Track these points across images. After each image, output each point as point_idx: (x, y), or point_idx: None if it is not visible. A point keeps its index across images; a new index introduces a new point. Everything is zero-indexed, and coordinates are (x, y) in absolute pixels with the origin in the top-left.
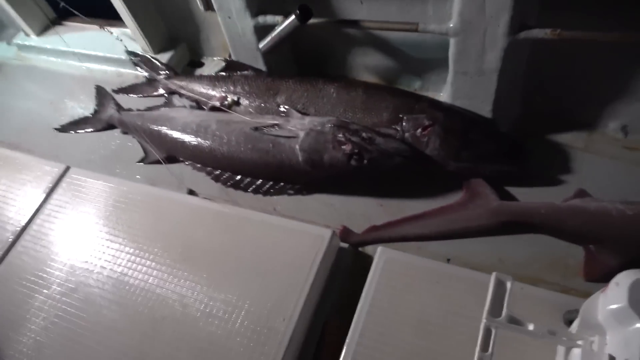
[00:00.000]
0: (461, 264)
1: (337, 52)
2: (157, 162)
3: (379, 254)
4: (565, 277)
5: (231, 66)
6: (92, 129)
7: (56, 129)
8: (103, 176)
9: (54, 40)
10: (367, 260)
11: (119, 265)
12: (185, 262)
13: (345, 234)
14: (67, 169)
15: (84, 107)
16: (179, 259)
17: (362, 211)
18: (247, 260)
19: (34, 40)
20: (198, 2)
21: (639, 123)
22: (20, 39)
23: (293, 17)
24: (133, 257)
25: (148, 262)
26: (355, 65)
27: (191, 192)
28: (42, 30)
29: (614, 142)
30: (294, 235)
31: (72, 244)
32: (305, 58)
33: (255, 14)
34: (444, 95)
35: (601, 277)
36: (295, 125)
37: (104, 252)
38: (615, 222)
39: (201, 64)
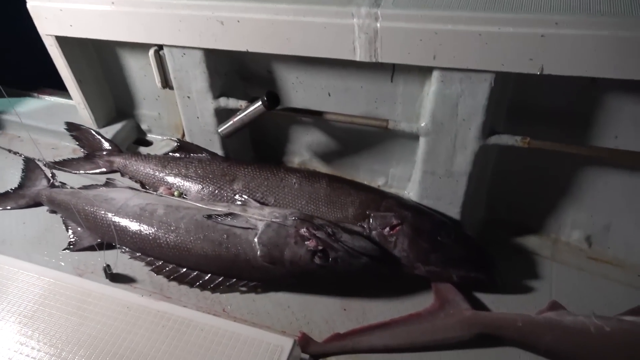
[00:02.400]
0: None
1: (299, 141)
2: (89, 248)
3: None
4: None
5: (184, 147)
6: (13, 207)
7: None
8: (21, 262)
9: None
10: None
11: None
12: None
13: (304, 342)
14: None
15: (9, 180)
16: None
17: (324, 316)
18: None
19: None
20: (156, 79)
21: (602, 235)
22: None
23: (259, 102)
24: None
25: None
26: (317, 156)
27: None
28: None
29: (579, 253)
30: (249, 344)
31: None
32: (264, 145)
33: (216, 96)
34: (409, 194)
35: None
36: (254, 216)
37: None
38: (595, 339)
39: (149, 143)
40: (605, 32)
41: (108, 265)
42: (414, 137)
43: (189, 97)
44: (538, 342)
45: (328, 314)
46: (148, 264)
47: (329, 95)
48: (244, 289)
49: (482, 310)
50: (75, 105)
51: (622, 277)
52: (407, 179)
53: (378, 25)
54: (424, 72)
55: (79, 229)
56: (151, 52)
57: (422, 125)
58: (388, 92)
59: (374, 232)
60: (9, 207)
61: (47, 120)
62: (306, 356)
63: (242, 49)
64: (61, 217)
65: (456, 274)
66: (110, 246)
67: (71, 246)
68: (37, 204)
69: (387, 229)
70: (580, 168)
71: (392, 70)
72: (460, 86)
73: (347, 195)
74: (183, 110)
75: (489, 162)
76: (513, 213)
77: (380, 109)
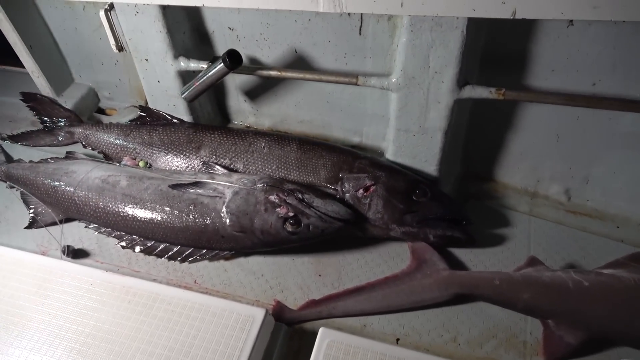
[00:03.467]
0: (412, 344)
1: (267, 102)
2: (51, 225)
3: (321, 336)
4: (524, 357)
5: (147, 114)
6: None
7: None
8: None
9: None
10: (306, 341)
11: None
12: (82, 355)
13: (279, 310)
14: None
15: None
16: (74, 350)
17: (298, 282)
18: (161, 349)
19: None
20: (110, 41)
21: (581, 187)
22: None
23: (221, 63)
24: (14, 350)
25: (31, 356)
26: (286, 118)
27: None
28: None
29: (557, 206)
30: (219, 316)
31: None
32: (230, 108)
33: (176, 57)
34: (383, 153)
35: (563, 357)
36: (221, 183)
37: None
38: (573, 295)
39: (112, 112)
40: None
41: (68, 246)
42: (386, 92)
43: (146, 59)
44: (516, 300)
45: (302, 281)
46: (114, 238)
47: (296, 51)
48: (213, 258)
49: (460, 270)
50: (29, 73)
51: (601, 229)
52: (382, 138)
53: None
54: (393, 21)
55: (39, 205)
56: (101, 12)
57: (393, 80)
58: (357, 45)
59: (347, 195)
60: None
61: (1, 91)
62: (280, 324)
63: (198, 4)
64: (20, 193)
65: (432, 233)
66: (74, 221)
67: (32, 223)
68: None
69: (361, 190)
70: (557, 118)
71: (360, 21)
72: (430, 35)
73: (318, 158)
74: (142, 74)
75: (463, 115)
76: (490, 168)
77: (350, 64)
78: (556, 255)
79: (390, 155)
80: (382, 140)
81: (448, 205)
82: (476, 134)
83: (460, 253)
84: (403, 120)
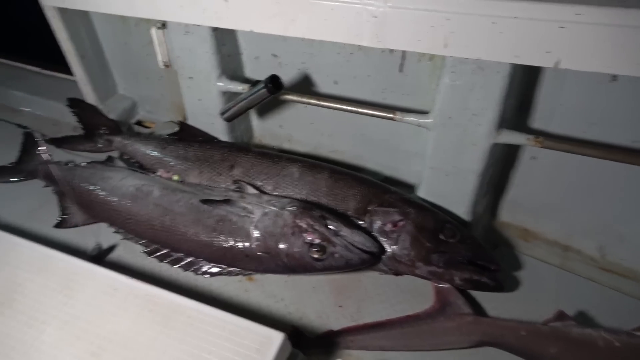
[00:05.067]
0: None
1: (303, 129)
2: (79, 225)
3: None
4: None
5: (185, 130)
6: (10, 179)
7: None
8: (10, 236)
9: None
10: None
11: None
12: (97, 357)
13: (295, 337)
14: None
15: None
16: (89, 352)
17: (318, 310)
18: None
19: None
20: (158, 58)
21: (616, 245)
22: None
23: (262, 86)
24: (30, 345)
25: (49, 352)
26: (320, 146)
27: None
28: None
29: (590, 262)
30: (237, 334)
31: None
32: (267, 131)
33: (219, 78)
34: (414, 189)
35: None
36: (251, 203)
37: None
38: (603, 354)
39: (150, 125)
40: (630, 25)
41: (98, 245)
42: (421, 130)
43: (191, 77)
44: (542, 354)
45: (322, 309)
46: (142, 245)
47: (335, 83)
48: (236, 276)
49: (484, 316)
50: (78, 81)
51: (635, 291)
52: (414, 174)
53: (387, 8)
54: (435, 61)
55: (72, 206)
56: (153, 29)
57: (430, 118)
58: (396, 82)
59: (374, 228)
60: (6, 180)
61: (49, 95)
62: (297, 351)
63: (246, 28)
64: (56, 193)
65: (459, 276)
66: (103, 226)
67: (63, 223)
68: (31, 177)
69: (389, 225)
70: (594, 171)
71: (402, 59)
72: (471, 78)
73: (349, 188)
74: (185, 91)
75: (498, 159)
76: (522, 216)
77: (388, 99)
78: (586, 312)
79: (421, 192)
80: (414, 176)
81: (477, 248)
82: (509, 180)
83: (485, 298)
84: (437, 159)
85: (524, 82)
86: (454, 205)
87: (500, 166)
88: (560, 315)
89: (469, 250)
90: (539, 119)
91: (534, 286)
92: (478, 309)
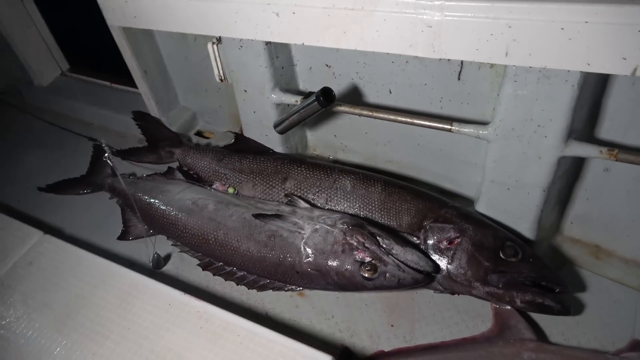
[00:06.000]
0: None
1: (357, 140)
2: (140, 237)
3: None
4: None
5: (240, 141)
6: (80, 192)
7: (40, 188)
8: (75, 249)
9: (62, 91)
10: None
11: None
12: None
13: (346, 356)
14: (41, 235)
15: (77, 165)
16: None
17: (369, 330)
18: None
19: (42, 89)
20: (215, 72)
21: None
22: (28, 87)
23: (314, 99)
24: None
25: None
26: (375, 156)
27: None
28: (52, 80)
29: None
30: (285, 356)
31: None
32: (321, 142)
33: (273, 90)
34: (473, 203)
35: None
36: (302, 218)
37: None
38: None
39: (209, 135)
40: None
41: (157, 255)
42: (481, 141)
43: (245, 90)
44: None
45: (373, 329)
46: (197, 258)
47: (390, 92)
48: (288, 291)
49: (548, 343)
50: (141, 94)
51: None
52: (473, 187)
53: (443, 17)
54: (496, 69)
55: (134, 218)
56: (209, 44)
57: (491, 129)
58: (454, 90)
59: (429, 245)
60: (76, 192)
61: (116, 109)
62: None
63: (298, 42)
64: (120, 205)
65: (521, 298)
66: (162, 238)
67: (125, 235)
68: (99, 189)
69: (445, 242)
70: None
71: (460, 67)
72: (536, 87)
73: (403, 202)
74: (240, 104)
75: (566, 172)
76: (593, 232)
77: (445, 109)
78: None
79: (480, 207)
80: (473, 189)
81: (541, 268)
82: (579, 193)
83: (550, 323)
84: (498, 172)
85: (597, 90)
86: (516, 222)
87: (569, 179)
88: (636, 345)
89: (532, 270)
90: (613, 130)
91: (605, 310)
92: (541, 335)
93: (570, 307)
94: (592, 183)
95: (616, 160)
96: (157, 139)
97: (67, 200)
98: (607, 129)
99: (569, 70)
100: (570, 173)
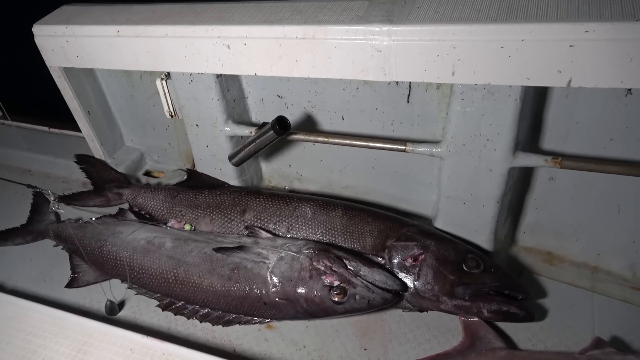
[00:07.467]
0: None
1: (313, 167)
2: (93, 284)
3: None
4: None
5: (194, 177)
6: (21, 241)
7: None
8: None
9: None
10: None
11: None
12: None
13: None
14: None
15: (15, 214)
16: None
17: (342, 355)
18: None
19: None
20: (164, 108)
21: None
22: None
23: (269, 128)
24: None
25: None
26: (331, 183)
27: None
28: None
29: (622, 283)
30: None
31: None
32: (277, 172)
33: (225, 123)
34: (431, 221)
35: None
36: (266, 248)
37: None
38: None
39: (159, 174)
40: None
41: (111, 302)
42: (434, 159)
43: (197, 125)
44: None
45: (347, 354)
46: (155, 299)
47: (343, 118)
48: (255, 324)
49: (518, 349)
50: (85, 136)
51: None
52: (429, 205)
53: (391, 42)
54: (443, 90)
55: (83, 264)
56: (158, 80)
57: (443, 147)
58: (405, 113)
59: (394, 264)
60: (16, 243)
61: (57, 154)
62: None
63: (250, 72)
64: (67, 252)
65: (487, 308)
66: (117, 282)
67: (74, 282)
68: (42, 237)
69: (409, 259)
70: (618, 188)
71: (409, 90)
72: (482, 104)
73: (364, 224)
74: (192, 139)
75: (516, 183)
76: (545, 240)
77: (397, 131)
78: (624, 336)
79: (438, 223)
80: (429, 208)
81: (503, 277)
82: (528, 203)
83: (516, 330)
84: (453, 187)
85: (537, 103)
86: (474, 235)
87: (518, 190)
88: (598, 343)
89: (494, 280)
90: (554, 139)
91: (565, 312)
92: (510, 343)
93: (534, 312)
94: (539, 192)
95: (561, 168)
96: (103, 181)
97: (6, 252)
98: (549, 139)
99: (511, 86)
100: (519, 184)
